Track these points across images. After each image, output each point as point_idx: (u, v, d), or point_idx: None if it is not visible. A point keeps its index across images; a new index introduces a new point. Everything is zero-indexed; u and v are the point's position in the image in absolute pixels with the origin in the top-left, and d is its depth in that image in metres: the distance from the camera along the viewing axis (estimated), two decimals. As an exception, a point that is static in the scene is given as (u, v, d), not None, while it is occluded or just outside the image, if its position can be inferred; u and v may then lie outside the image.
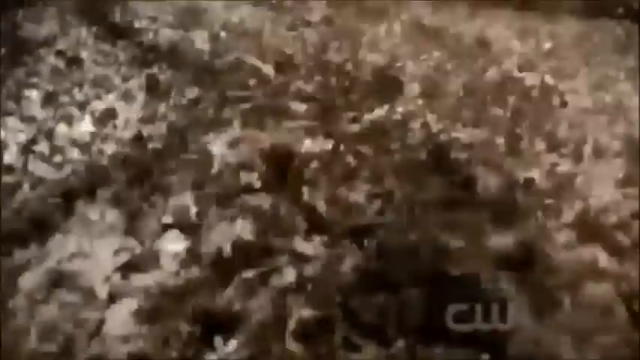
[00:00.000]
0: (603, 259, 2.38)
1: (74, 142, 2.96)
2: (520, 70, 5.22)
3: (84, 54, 5.00)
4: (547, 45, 6.73)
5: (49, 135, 3.06)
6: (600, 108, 4.06)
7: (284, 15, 7.04)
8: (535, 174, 2.92)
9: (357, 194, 2.63)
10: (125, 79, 4.18)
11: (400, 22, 6.60)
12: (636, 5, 10.60)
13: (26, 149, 2.92)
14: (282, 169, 2.75)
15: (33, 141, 3.01)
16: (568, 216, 2.63)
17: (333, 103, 3.76)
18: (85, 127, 3.06)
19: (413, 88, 4.40)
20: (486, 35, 6.91)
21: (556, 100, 4.07)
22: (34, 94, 3.68)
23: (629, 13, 9.76)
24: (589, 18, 9.41)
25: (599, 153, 3.28)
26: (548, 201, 2.72)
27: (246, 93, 3.93)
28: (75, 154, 2.88)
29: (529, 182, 2.88)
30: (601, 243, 2.47)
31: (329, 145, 2.99)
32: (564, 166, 3.05)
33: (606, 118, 3.83)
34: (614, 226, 2.58)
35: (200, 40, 5.49)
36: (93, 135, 3.05)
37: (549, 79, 4.91)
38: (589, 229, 2.55)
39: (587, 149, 3.26)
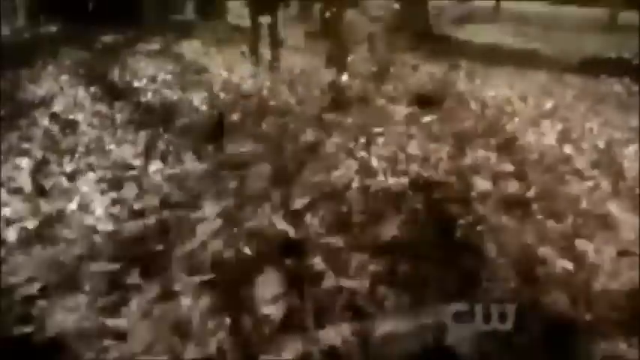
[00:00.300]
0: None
1: (62, 219, 2.79)
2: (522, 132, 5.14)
3: (79, 116, 4.90)
4: (549, 104, 6.67)
5: (36, 210, 2.90)
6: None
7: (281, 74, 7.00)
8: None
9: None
10: (120, 143, 4.04)
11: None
12: (636, 61, 10.66)
13: (9, 223, 2.75)
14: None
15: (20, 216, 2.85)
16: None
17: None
18: (75, 203, 2.89)
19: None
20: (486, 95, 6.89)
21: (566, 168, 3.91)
22: (24, 163, 3.53)
23: (628, 70, 9.77)
24: (589, 75, 9.41)
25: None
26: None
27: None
28: (64, 231, 2.71)
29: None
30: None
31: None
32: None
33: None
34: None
35: (198, 101, 5.39)
36: (82, 211, 2.89)
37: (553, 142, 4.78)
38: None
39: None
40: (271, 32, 7.96)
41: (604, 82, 8.88)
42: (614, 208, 3.10)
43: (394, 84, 7.08)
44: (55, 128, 4.42)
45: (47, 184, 3.20)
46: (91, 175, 3.30)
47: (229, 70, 7.20)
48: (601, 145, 4.51)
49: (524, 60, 10.81)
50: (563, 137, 4.91)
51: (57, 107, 5.23)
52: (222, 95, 5.61)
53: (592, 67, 10.32)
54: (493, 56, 11.05)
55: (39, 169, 3.40)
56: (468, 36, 14.89)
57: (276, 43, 7.98)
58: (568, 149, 4.47)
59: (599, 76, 9.23)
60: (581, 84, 8.61)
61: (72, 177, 3.28)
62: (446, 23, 17.18)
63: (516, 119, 5.58)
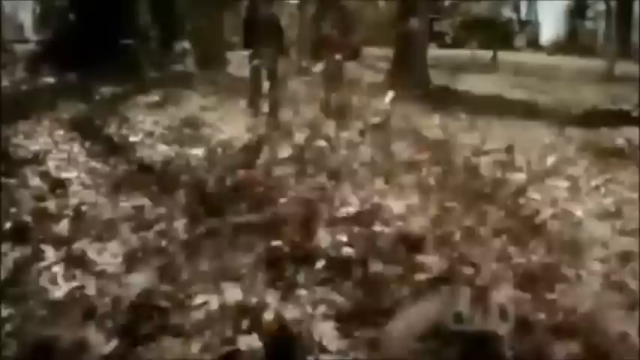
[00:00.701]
0: None
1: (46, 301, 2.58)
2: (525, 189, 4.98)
3: (72, 174, 4.73)
4: (551, 159, 6.54)
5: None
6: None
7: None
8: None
9: None
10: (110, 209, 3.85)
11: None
12: (636, 113, 10.59)
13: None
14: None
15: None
16: None
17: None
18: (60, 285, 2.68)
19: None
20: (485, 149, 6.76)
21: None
22: (6, 227, 3.34)
23: (628, 122, 9.69)
24: (590, 128, 9.31)
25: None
26: None
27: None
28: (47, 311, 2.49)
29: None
30: None
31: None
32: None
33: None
34: None
35: (195, 158, 5.22)
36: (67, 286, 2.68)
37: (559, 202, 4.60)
38: None
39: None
40: (271, 83, 7.89)
41: (605, 135, 8.76)
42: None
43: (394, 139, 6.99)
44: (45, 187, 4.24)
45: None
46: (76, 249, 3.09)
47: (227, 123, 7.09)
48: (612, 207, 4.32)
49: (525, 112, 10.73)
50: (572, 197, 4.75)
51: (50, 162, 5.07)
52: (219, 152, 5.46)
53: (592, 119, 10.26)
54: (493, 108, 10.96)
55: (23, 236, 3.20)
56: (467, 87, 14.92)
57: (275, 95, 7.90)
58: (578, 211, 4.30)
59: (599, 129, 9.14)
60: (582, 136, 8.50)
61: (58, 244, 3.08)
62: (444, 73, 17.29)
63: (520, 176, 5.44)
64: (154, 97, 9.36)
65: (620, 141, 8.35)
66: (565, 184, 5.44)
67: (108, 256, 3.04)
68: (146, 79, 11.47)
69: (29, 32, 21.35)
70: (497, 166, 5.60)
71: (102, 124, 6.48)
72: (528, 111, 10.88)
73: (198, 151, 5.43)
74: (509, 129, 8.58)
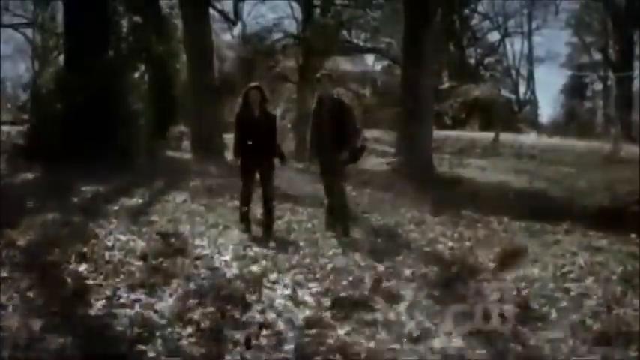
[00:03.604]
0: None
1: None
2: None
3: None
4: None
5: None
6: None
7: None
8: None
9: None
10: None
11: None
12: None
13: None
14: None
15: None
16: None
17: None
18: None
19: None
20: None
21: None
22: None
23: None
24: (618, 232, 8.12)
25: None
26: None
27: None
28: None
29: None
30: None
31: None
32: None
33: None
34: None
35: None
36: None
37: None
38: None
39: None
40: (265, 194, 6.77)
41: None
42: None
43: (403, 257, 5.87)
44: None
45: None
46: None
47: (212, 243, 5.95)
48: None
49: (539, 208, 9.52)
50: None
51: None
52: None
53: (613, 217, 9.09)
54: (503, 205, 9.78)
55: None
56: (472, 174, 13.88)
57: (269, 208, 6.77)
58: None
59: (628, 235, 7.89)
60: (613, 246, 7.31)
61: None
62: (446, 158, 16.29)
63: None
64: (137, 200, 8.24)
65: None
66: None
67: None
68: (135, 170, 10.37)
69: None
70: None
71: (60, 257, 5.21)
72: (543, 208, 9.64)
73: (168, 302, 4.24)
74: (531, 239, 7.38)
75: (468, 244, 6.76)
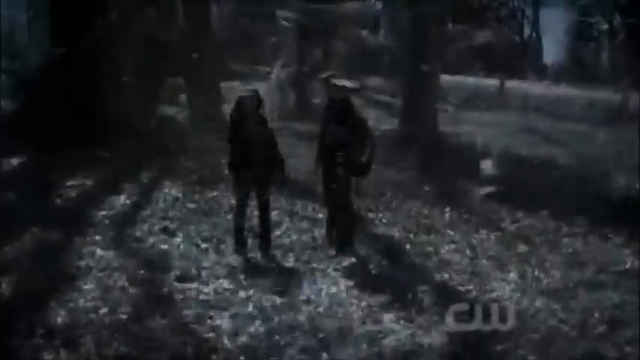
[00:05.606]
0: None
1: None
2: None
3: None
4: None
5: None
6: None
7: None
8: None
9: None
10: None
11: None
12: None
13: None
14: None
15: None
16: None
17: None
18: None
19: None
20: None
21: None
22: None
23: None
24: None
25: None
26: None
27: None
28: None
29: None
30: None
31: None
32: None
33: None
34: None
35: None
36: None
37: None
38: None
39: None
40: (261, 214, 6.04)
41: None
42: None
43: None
44: None
45: None
46: None
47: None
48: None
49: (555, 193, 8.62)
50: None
51: None
52: None
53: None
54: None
55: None
56: (475, 136, 13.04)
57: (267, 228, 6.06)
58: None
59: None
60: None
61: None
62: (450, 111, 15.44)
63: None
64: (125, 199, 7.52)
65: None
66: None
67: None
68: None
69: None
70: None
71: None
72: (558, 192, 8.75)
73: None
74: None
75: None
